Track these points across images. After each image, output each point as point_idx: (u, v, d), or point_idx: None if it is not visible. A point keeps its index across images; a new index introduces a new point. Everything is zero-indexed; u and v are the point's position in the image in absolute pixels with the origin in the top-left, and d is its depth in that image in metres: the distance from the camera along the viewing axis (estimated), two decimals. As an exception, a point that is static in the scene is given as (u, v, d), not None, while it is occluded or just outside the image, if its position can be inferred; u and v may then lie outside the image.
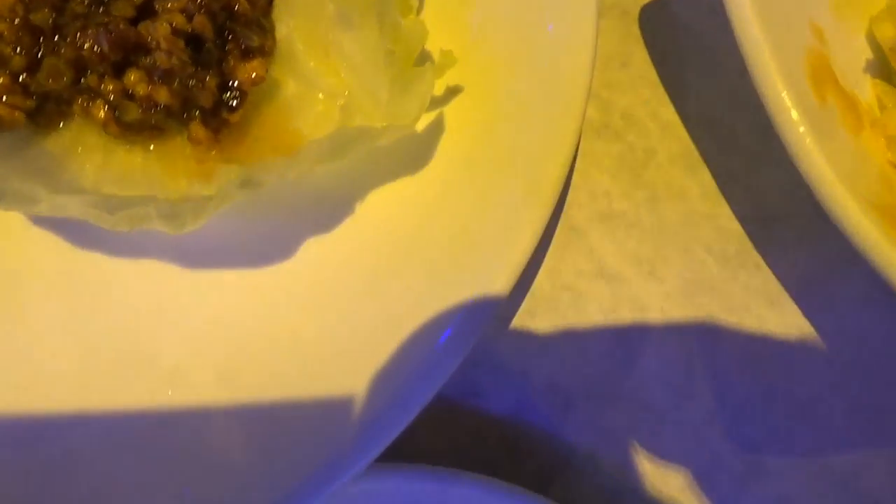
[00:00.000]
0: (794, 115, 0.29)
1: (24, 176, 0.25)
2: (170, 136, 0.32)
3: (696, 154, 0.38)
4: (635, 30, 0.40)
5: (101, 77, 0.30)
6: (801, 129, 0.28)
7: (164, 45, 0.29)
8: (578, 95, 0.32)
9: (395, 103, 0.30)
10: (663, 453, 0.32)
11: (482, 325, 0.29)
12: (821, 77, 0.31)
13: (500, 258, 0.30)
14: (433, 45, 0.33)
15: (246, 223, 0.32)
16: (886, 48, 0.35)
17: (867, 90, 0.35)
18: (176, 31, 0.29)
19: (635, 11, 0.40)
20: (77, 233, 0.31)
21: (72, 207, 0.25)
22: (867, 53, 0.35)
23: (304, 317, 0.30)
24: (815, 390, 0.33)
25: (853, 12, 0.35)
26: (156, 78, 0.30)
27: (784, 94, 0.29)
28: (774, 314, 0.34)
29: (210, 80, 0.31)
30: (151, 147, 0.32)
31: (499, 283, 0.29)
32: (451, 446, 0.32)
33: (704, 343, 0.34)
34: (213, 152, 0.32)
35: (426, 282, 0.30)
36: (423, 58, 0.32)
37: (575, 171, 0.37)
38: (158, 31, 0.29)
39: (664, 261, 0.35)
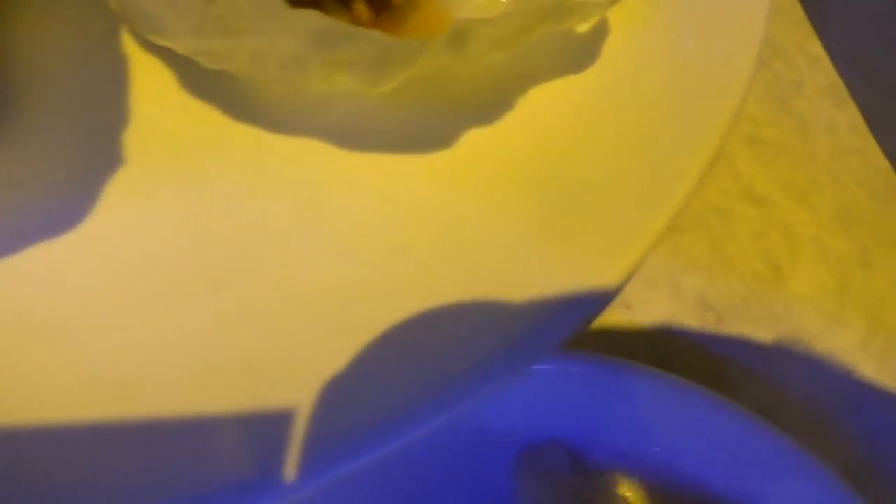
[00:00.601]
0: None
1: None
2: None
3: (843, 89, 0.37)
4: (780, -38, 0.39)
5: (269, -57, 0.29)
6: None
7: None
8: (760, 15, 0.30)
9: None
10: (814, 376, 0.32)
11: (648, 242, 0.28)
12: None
13: (671, 179, 0.29)
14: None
15: (404, 111, 0.31)
16: None
17: None
18: None
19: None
20: (235, 106, 0.30)
21: (288, 37, 0.24)
22: None
23: (464, 206, 0.29)
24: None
25: None
26: (326, -54, 0.29)
27: None
28: (930, 250, 0.33)
29: (380, -45, 0.30)
30: (307, 24, 0.31)
31: (671, 201, 0.28)
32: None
33: (858, 272, 0.33)
34: (370, 35, 0.31)
35: (592, 186, 0.29)
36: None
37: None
38: None
39: (815, 189, 0.34)
